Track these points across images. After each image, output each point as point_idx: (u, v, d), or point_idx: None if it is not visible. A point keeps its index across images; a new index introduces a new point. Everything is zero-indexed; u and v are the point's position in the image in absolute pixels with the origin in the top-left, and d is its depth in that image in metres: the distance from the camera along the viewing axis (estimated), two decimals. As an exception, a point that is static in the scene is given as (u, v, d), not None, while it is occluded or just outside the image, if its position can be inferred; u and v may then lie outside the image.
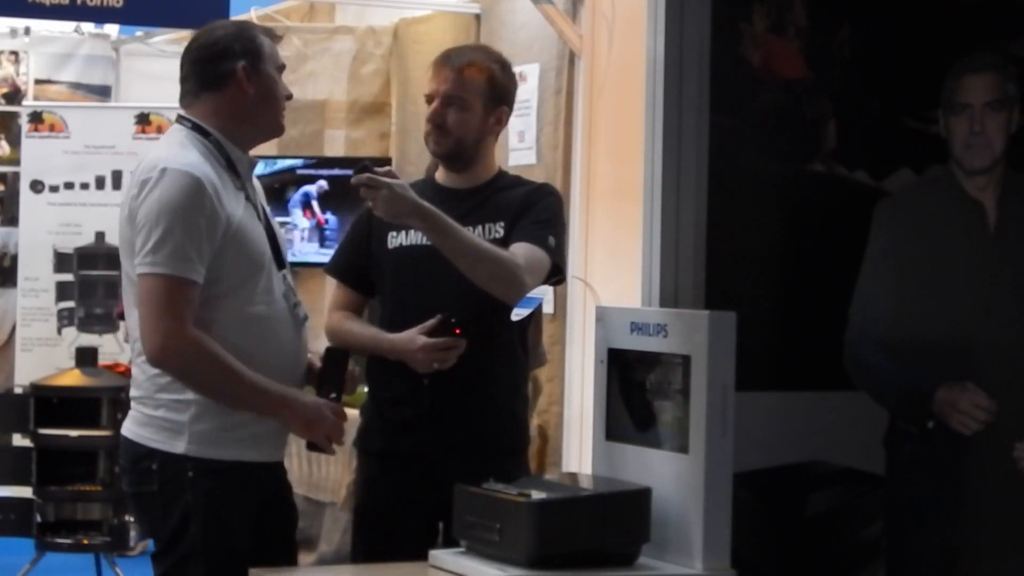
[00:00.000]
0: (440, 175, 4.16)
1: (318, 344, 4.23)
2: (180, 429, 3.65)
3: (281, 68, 3.83)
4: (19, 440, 7.58)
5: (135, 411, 3.73)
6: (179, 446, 3.65)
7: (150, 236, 3.57)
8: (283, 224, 7.45)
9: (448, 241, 3.84)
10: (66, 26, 9.55)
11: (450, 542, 3.72)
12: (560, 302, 6.74)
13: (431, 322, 3.89)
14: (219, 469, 3.66)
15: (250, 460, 3.71)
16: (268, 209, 3.89)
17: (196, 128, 3.74)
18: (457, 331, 3.87)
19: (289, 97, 3.84)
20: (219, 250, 3.61)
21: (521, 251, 3.93)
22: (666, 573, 3.23)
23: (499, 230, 4.02)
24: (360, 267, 4.13)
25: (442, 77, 4.05)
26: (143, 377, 3.71)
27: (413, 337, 3.91)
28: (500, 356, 4.04)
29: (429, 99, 4.08)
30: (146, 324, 3.58)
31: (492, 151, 4.15)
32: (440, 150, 4.07)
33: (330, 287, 4.31)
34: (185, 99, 3.79)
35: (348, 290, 4.17)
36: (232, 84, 3.74)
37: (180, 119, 3.79)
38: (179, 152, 3.67)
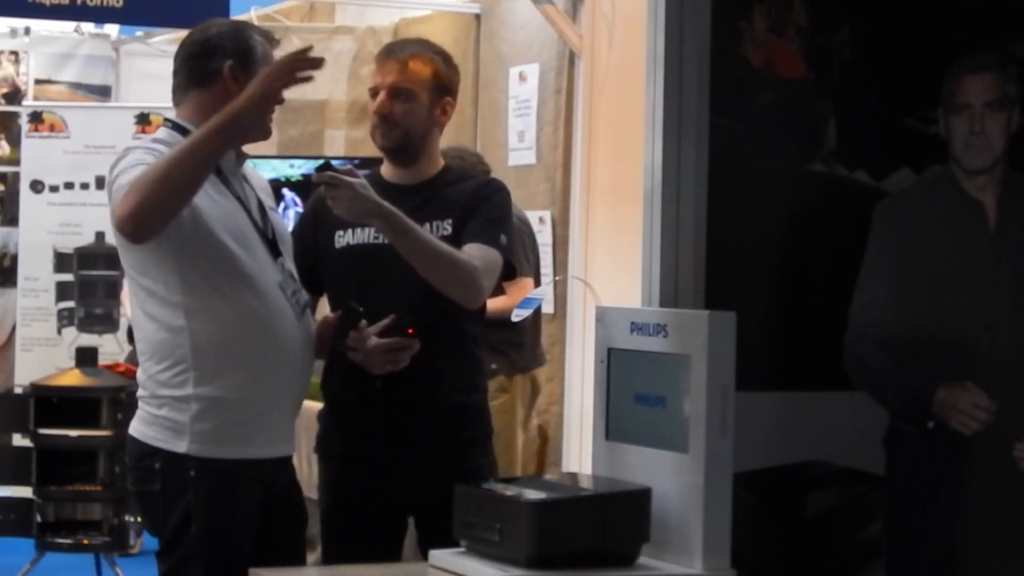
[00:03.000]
0: (386, 171, 4.14)
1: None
2: (182, 429, 3.66)
3: None
4: (19, 440, 7.58)
5: (140, 410, 3.75)
6: (181, 446, 3.66)
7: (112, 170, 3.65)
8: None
9: (407, 242, 3.82)
10: (66, 26, 9.57)
11: (423, 537, 3.75)
12: (560, 302, 6.75)
13: (384, 322, 3.86)
14: (221, 468, 3.66)
15: (253, 457, 3.72)
16: (265, 202, 3.89)
17: (176, 128, 3.76)
18: (410, 331, 3.85)
19: (280, 102, 3.83)
20: (186, 239, 3.61)
21: (476, 252, 3.91)
22: (666, 573, 3.23)
23: (447, 227, 3.99)
24: (307, 266, 4.09)
25: (387, 69, 4.05)
26: (144, 376, 3.73)
27: (366, 339, 3.91)
28: (450, 353, 4.01)
29: (373, 93, 4.06)
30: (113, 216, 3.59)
31: (437, 145, 4.14)
32: (388, 143, 4.06)
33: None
34: (175, 95, 3.82)
35: None
36: (218, 83, 3.74)
37: (165, 121, 3.83)
38: (146, 141, 3.77)
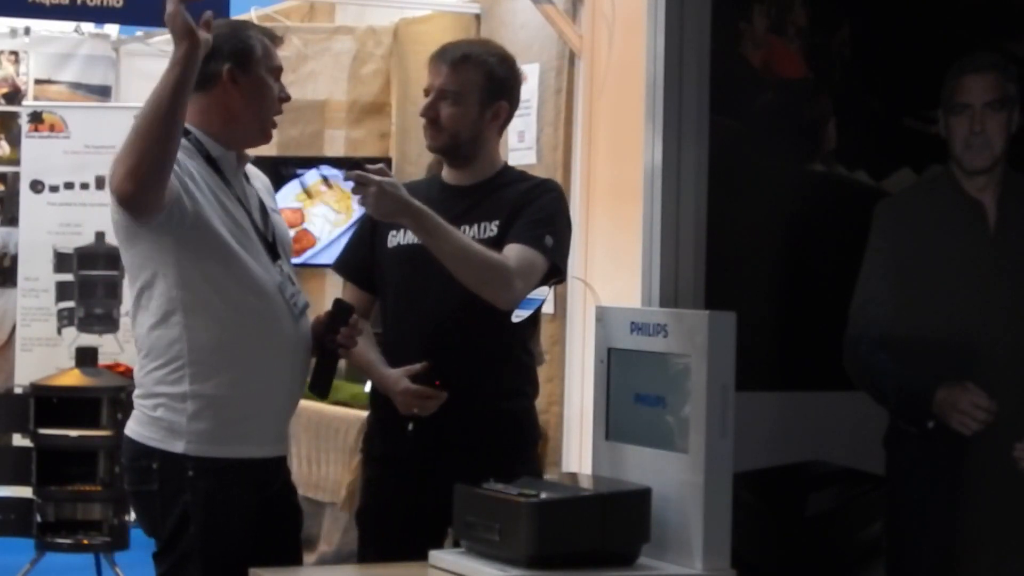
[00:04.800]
0: (445, 172, 4.14)
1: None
2: (179, 429, 3.66)
3: (278, 71, 3.83)
4: (19, 440, 7.58)
5: (137, 410, 3.75)
6: (178, 446, 3.66)
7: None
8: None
9: (437, 242, 3.81)
10: (66, 26, 9.56)
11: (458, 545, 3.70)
12: (560, 302, 6.74)
13: (417, 367, 3.88)
14: (219, 467, 3.67)
15: (250, 457, 3.72)
16: (268, 203, 3.90)
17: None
18: (437, 383, 3.85)
19: (285, 99, 3.83)
20: (186, 234, 3.62)
21: (514, 253, 3.87)
22: (666, 573, 3.23)
23: (493, 228, 3.97)
24: (364, 266, 4.11)
25: (436, 72, 4.03)
26: (141, 373, 3.74)
27: (398, 379, 3.89)
28: (493, 358, 4.00)
29: (426, 94, 4.06)
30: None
31: (494, 147, 4.10)
32: (435, 145, 4.06)
33: (331, 288, 4.30)
34: None
35: (355, 288, 4.15)
36: (218, 85, 3.75)
37: None
38: None
